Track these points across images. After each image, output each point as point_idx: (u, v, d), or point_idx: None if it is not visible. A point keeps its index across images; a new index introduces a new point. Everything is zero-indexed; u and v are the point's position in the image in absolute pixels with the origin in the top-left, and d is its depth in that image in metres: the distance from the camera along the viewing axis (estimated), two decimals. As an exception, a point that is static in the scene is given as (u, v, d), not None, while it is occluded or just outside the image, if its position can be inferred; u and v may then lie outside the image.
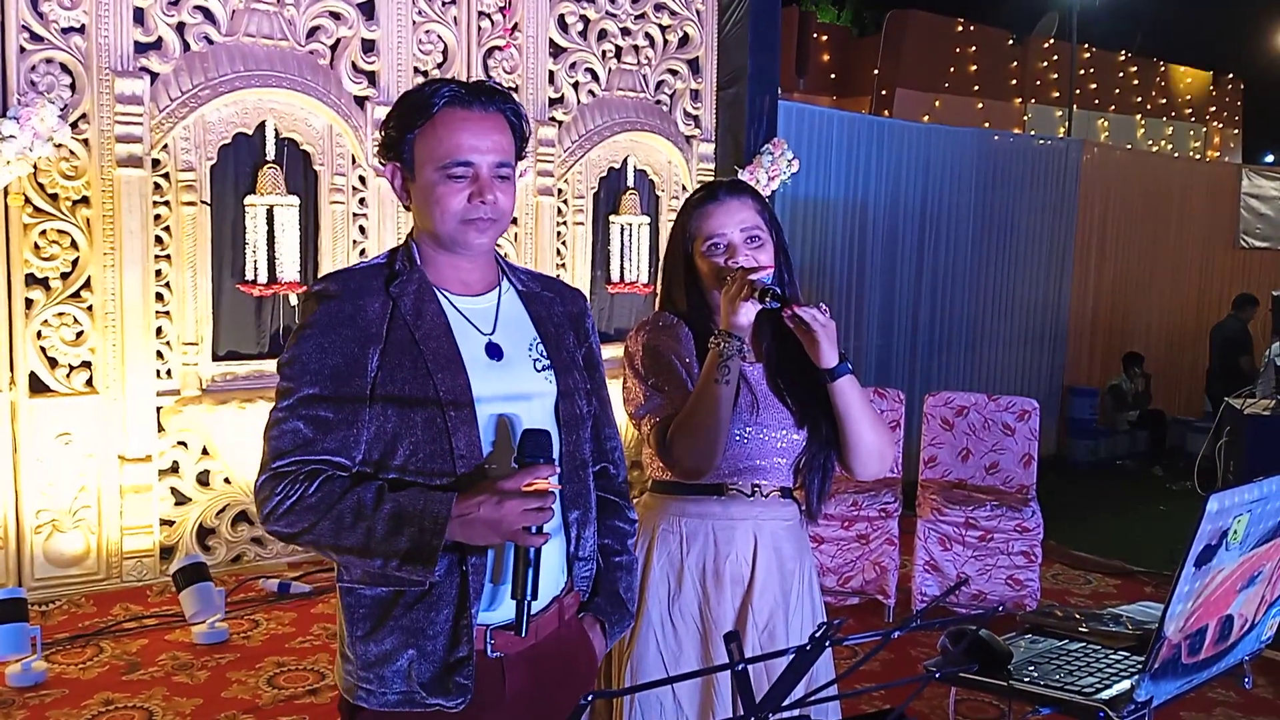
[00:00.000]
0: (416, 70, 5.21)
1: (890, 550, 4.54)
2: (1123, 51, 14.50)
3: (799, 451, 2.04)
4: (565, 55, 5.73)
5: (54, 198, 4.37)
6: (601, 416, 1.80)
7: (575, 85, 5.78)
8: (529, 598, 1.52)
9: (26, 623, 3.70)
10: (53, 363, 4.42)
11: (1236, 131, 16.76)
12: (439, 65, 5.30)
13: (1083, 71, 13.53)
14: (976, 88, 12.92)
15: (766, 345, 2.06)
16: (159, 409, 4.62)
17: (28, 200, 4.30)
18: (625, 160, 6.02)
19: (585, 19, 5.78)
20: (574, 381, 1.70)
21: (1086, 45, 13.66)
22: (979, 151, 8.10)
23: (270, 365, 4.21)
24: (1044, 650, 2.02)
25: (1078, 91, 12.90)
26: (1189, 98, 15.61)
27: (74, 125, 4.37)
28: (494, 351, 1.63)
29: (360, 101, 5.06)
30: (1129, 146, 12.95)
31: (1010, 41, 13.44)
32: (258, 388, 4.75)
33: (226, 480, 4.80)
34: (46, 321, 4.39)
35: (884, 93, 12.36)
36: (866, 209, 7.30)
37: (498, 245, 1.70)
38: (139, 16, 4.51)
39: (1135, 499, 7.44)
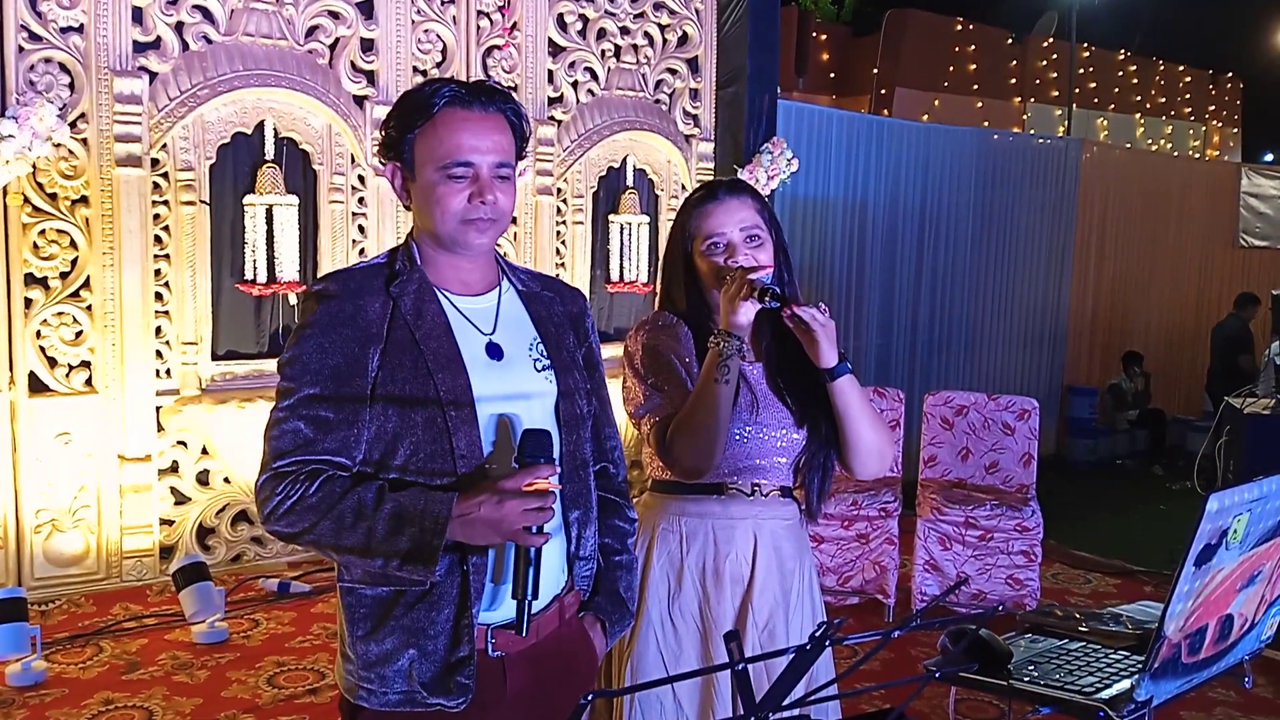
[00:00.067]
0: (415, 70, 5.21)
1: (890, 550, 4.54)
2: (1122, 51, 14.50)
3: (799, 451, 2.04)
4: (564, 54, 5.73)
5: (53, 197, 4.37)
6: (601, 416, 1.80)
7: (574, 84, 5.78)
8: (530, 597, 1.52)
9: (26, 622, 3.70)
10: (52, 362, 4.42)
11: (1236, 130, 16.75)
12: (438, 64, 5.29)
13: (1082, 71, 13.53)
14: (976, 87, 12.92)
15: (766, 345, 2.06)
16: (158, 408, 4.62)
17: (27, 200, 4.30)
18: (624, 159, 6.01)
19: (584, 18, 5.78)
20: (574, 381, 1.70)
21: (1086, 44, 13.66)
22: (978, 151, 8.10)
23: (270, 365, 4.22)
24: (1044, 650, 2.02)
25: (1077, 91, 12.90)
26: (1188, 97, 15.61)
27: (73, 125, 4.37)
28: (494, 351, 1.63)
29: (359, 101, 5.05)
30: (1128, 146, 12.95)
31: (1010, 40, 13.43)
32: (257, 387, 4.75)
33: (226, 480, 4.80)
34: (46, 321, 4.39)
35: (883, 92, 12.36)
36: (866, 208, 7.30)
37: (497, 245, 1.70)
38: (138, 16, 4.51)
39: (1135, 498, 7.44)
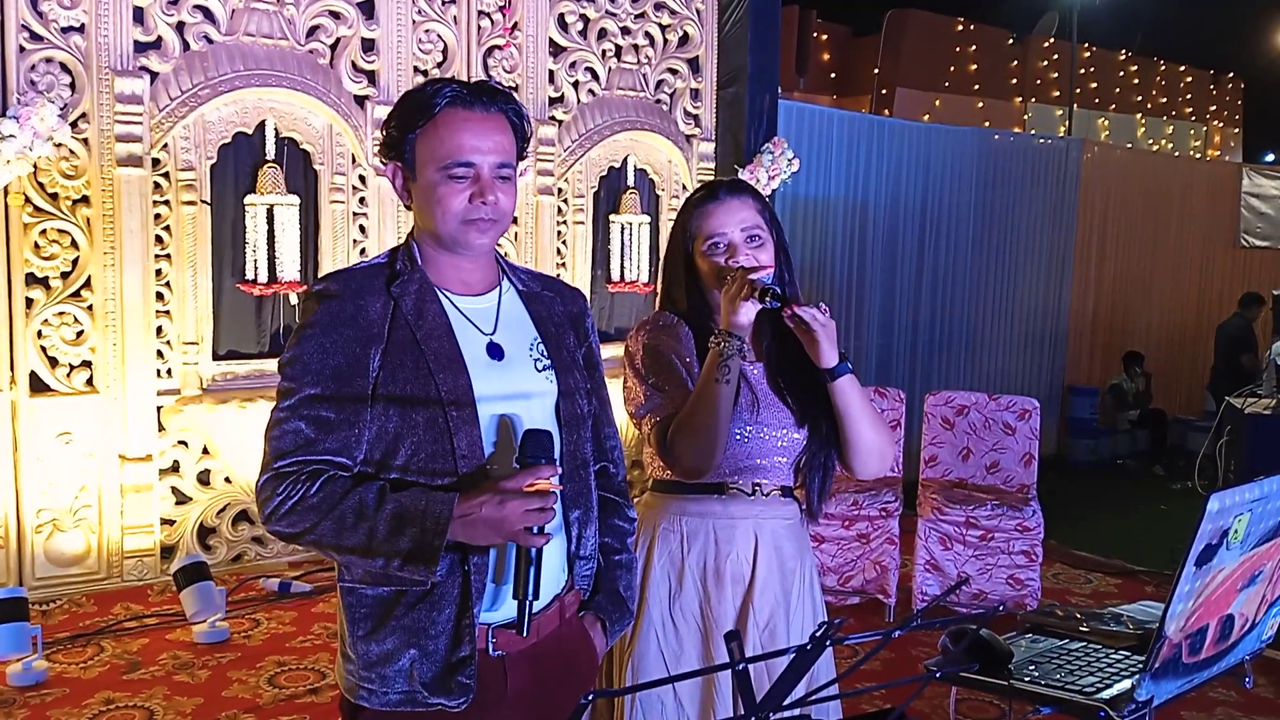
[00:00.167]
0: (416, 70, 5.21)
1: (891, 549, 4.54)
2: (1123, 51, 14.50)
3: (799, 451, 2.04)
4: (565, 54, 5.73)
5: (54, 197, 4.37)
6: (601, 416, 1.80)
7: (575, 84, 5.78)
8: (531, 597, 1.53)
9: (27, 622, 3.70)
10: (53, 362, 4.42)
11: (1237, 130, 16.76)
12: (439, 64, 5.29)
13: (1083, 71, 13.53)
14: (977, 87, 12.93)
15: (767, 345, 2.06)
16: (159, 408, 4.62)
17: (28, 200, 4.30)
18: (625, 159, 6.01)
19: (585, 18, 5.78)
20: (574, 381, 1.70)
21: (1087, 44, 13.66)
22: (979, 151, 8.10)
23: (271, 365, 4.22)
24: (1045, 650, 2.02)
25: (1078, 91, 12.90)
26: (1189, 97, 15.61)
27: (74, 125, 4.37)
28: (495, 351, 1.63)
29: (360, 101, 5.06)
30: (1129, 146, 12.95)
31: (1010, 41, 13.44)
32: (258, 387, 4.75)
33: (227, 479, 4.80)
34: (47, 321, 4.39)
35: (884, 92, 12.37)
36: (867, 208, 7.30)
37: (498, 245, 1.70)
38: (139, 16, 4.51)
39: (1136, 498, 7.44)
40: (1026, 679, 1.86)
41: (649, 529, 2.04)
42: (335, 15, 4.98)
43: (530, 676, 1.62)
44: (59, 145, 4.31)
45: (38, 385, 4.38)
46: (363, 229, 5.14)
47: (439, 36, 5.29)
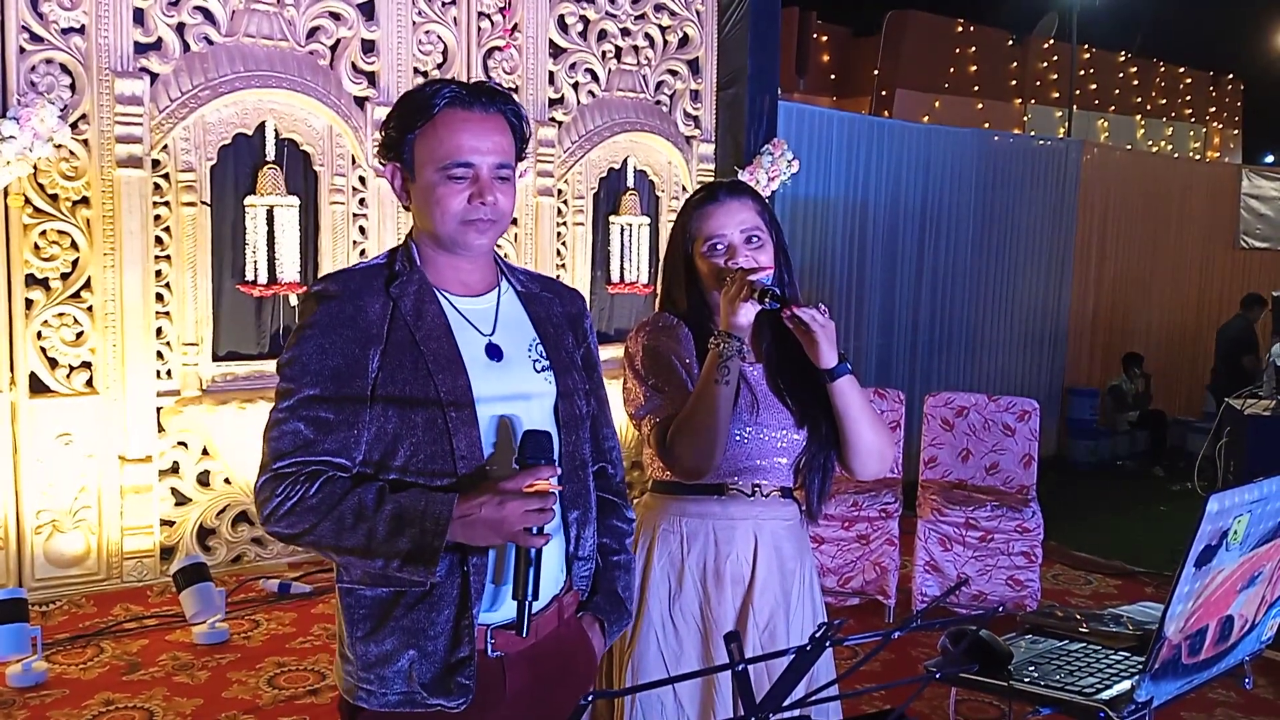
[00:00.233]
0: (416, 71, 5.21)
1: (890, 550, 4.54)
2: (1122, 52, 14.50)
3: (799, 451, 2.04)
4: (565, 56, 5.73)
5: (54, 198, 4.37)
6: (599, 416, 1.80)
7: (575, 86, 5.78)
8: (530, 598, 1.53)
9: (27, 623, 3.70)
10: (53, 363, 4.42)
11: (1236, 132, 16.76)
12: (439, 66, 5.30)
13: (1082, 72, 13.53)
14: (976, 88, 12.93)
15: (766, 346, 2.06)
16: (159, 409, 4.62)
17: (28, 201, 4.30)
18: (625, 161, 6.02)
19: (585, 19, 5.78)
20: (573, 382, 1.70)
21: (1086, 46, 13.66)
22: (979, 152, 8.10)
23: (270, 366, 4.21)
24: (1044, 650, 2.02)
25: (1077, 92, 12.90)
26: (1189, 98, 15.62)
27: (74, 126, 4.37)
28: (494, 352, 1.63)
29: (360, 102, 5.06)
30: (1129, 147, 12.96)
31: (1010, 42, 13.44)
32: (258, 388, 4.75)
33: (227, 480, 4.80)
34: (47, 322, 4.39)
35: (884, 93, 12.37)
36: (866, 209, 7.30)
37: (497, 246, 1.70)
38: (139, 17, 4.51)
39: (1135, 499, 7.44)
40: (1026, 680, 1.86)
41: (649, 530, 2.04)
42: (335, 16, 4.98)
43: (529, 677, 1.62)
44: (59, 146, 4.31)
45: (37, 386, 4.38)
46: (363, 230, 5.14)
47: (439, 38, 5.30)
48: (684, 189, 6.12)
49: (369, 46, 5.08)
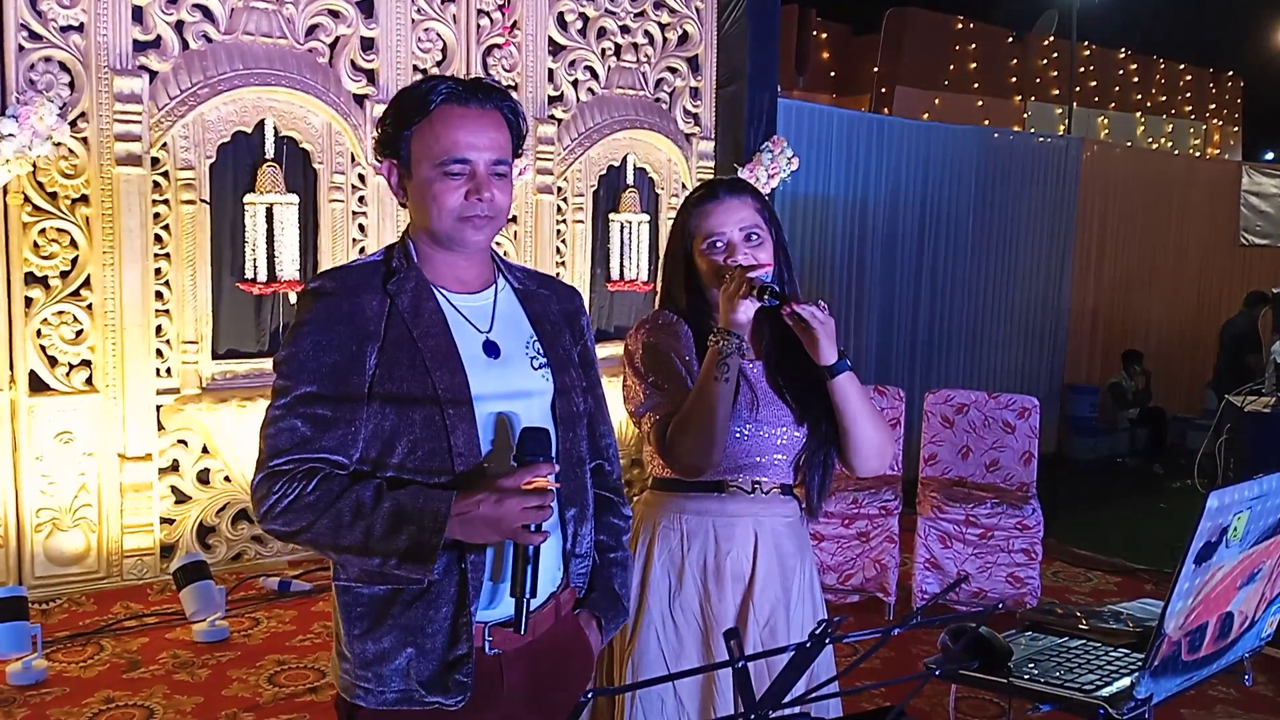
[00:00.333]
0: (415, 68, 5.21)
1: (890, 548, 4.54)
2: (1123, 49, 14.49)
3: (799, 448, 2.04)
4: (564, 53, 5.73)
5: (53, 196, 4.37)
6: (596, 414, 1.80)
7: (575, 83, 5.78)
8: (529, 595, 1.52)
9: (27, 621, 3.70)
10: (52, 361, 4.42)
11: (1237, 129, 16.74)
12: (438, 63, 5.29)
13: (1083, 69, 13.52)
14: (976, 85, 12.91)
15: (766, 343, 2.06)
16: (159, 407, 4.62)
17: (27, 199, 4.30)
18: (625, 158, 6.01)
19: (584, 17, 5.77)
20: (570, 379, 1.70)
21: (1086, 43, 13.65)
22: (979, 149, 8.10)
23: (270, 364, 4.22)
24: (1044, 647, 2.01)
25: (1078, 89, 12.90)
26: (1189, 95, 15.61)
27: (73, 124, 4.37)
28: (491, 349, 1.63)
29: (359, 100, 5.05)
30: (1129, 144, 12.95)
31: (1010, 39, 13.42)
32: (258, 386, 4.75)
33: (226, 478, 4.80)
34: (46, 320, 4.39)
35: (884, 90, 12.35)
36: (866, 207, 7.29)
37: (496, 243, 1.70)
38: (138, 15, 4.50)
39: (1135, 496, 7.44)
40: (1026, 677, 1.86)
41: (649, 527, 2.04)
42: (334, 14, 4.97)
43: (526, 674, 1.62)
44: (58, 144, 4.31)
45: (37, 384, 4.38)
46: (362, 228, 5.13)
47: (438, 35, 5.29)
48: (683, 186, 6.12)
49: (368, 44, 5.08)
